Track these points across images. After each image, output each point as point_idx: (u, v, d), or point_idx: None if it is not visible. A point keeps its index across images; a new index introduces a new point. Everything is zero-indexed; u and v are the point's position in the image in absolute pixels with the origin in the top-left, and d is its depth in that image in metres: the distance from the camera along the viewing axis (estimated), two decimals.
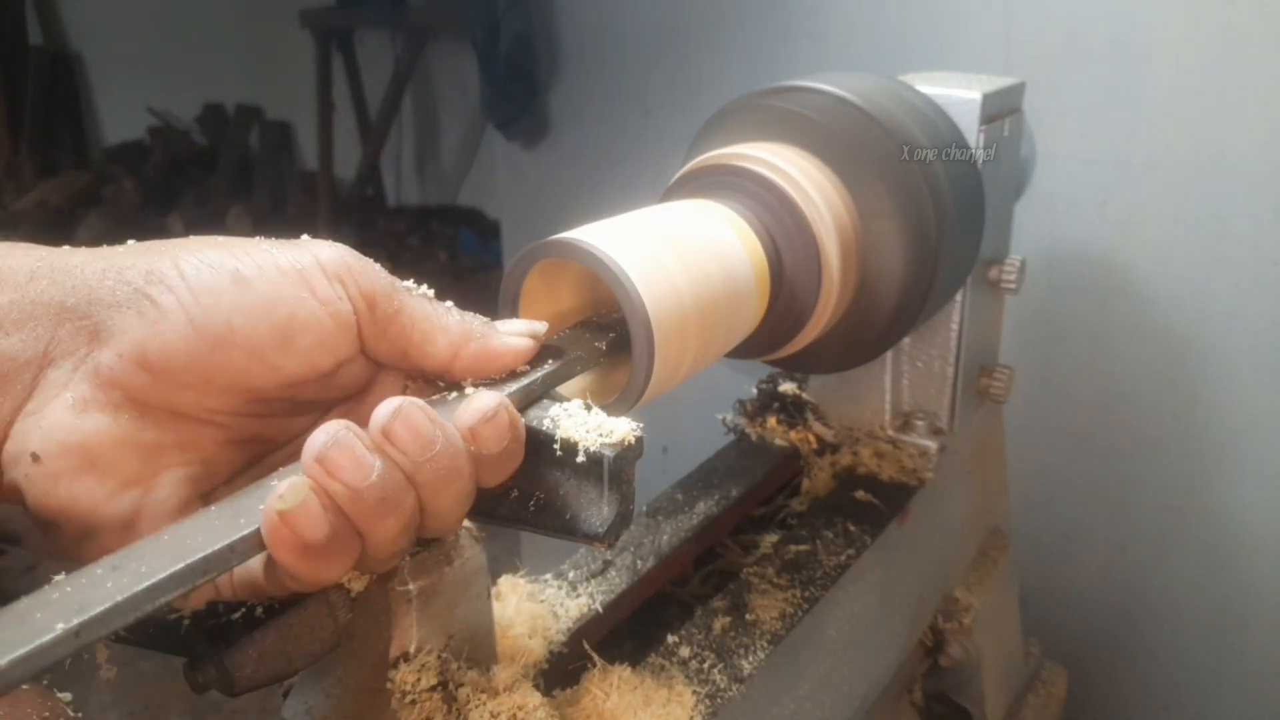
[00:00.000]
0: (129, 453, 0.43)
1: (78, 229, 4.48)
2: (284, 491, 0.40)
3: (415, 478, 0.43)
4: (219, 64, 4.92)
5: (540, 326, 0.52)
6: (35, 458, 0.41)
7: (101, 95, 5.40)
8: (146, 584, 0.36)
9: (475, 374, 0.49)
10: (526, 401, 0.49)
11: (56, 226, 4.50)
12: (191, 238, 0.46)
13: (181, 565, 0.38)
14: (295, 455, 0.47)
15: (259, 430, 0.48)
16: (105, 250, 0.44)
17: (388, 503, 0.42)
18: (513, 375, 0.50)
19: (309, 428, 0.48)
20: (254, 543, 0.41)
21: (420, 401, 0.44)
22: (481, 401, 0.45)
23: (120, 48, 5.14)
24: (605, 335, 0.57)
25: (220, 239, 0.46)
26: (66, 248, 0.45)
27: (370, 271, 0.47)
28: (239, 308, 0.43)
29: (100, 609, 0.35)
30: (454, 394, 0.49)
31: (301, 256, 0.45)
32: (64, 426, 0.42)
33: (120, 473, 0.43)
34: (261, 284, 0.44)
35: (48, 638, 0.33)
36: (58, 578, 0.36)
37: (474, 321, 0.50)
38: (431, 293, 0.50)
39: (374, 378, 0.50)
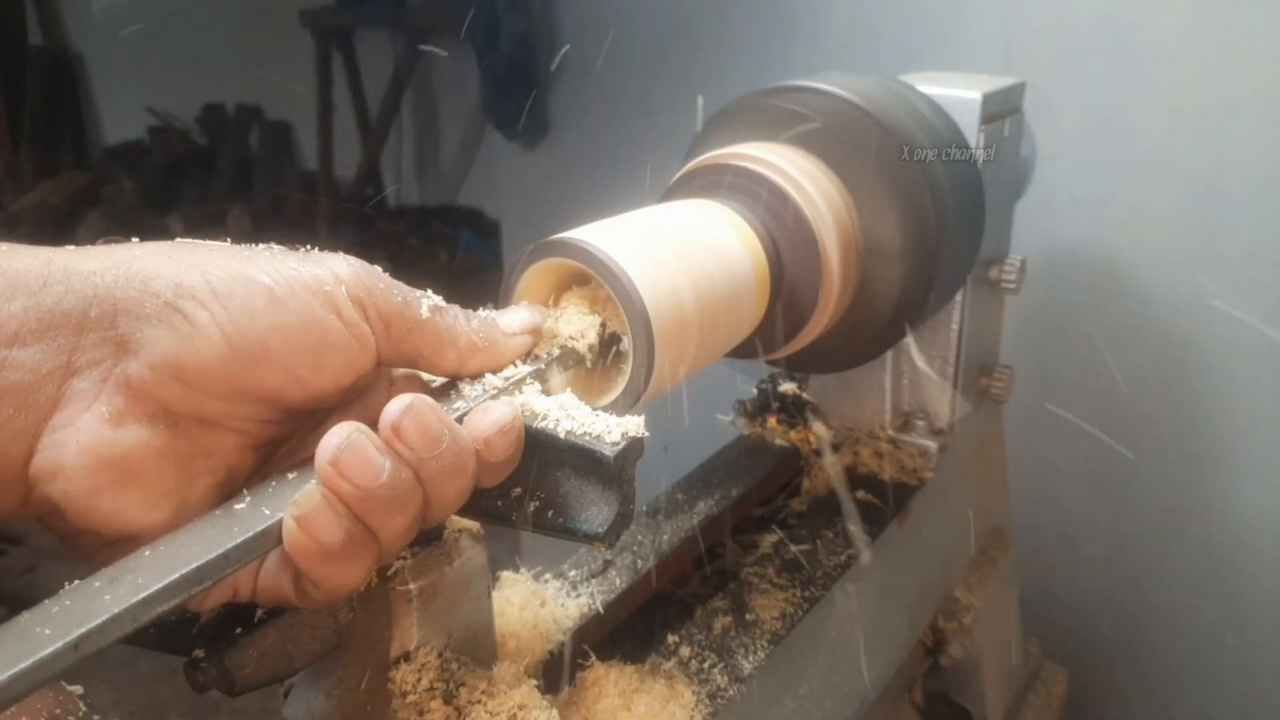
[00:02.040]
0: (166, 463, 0.43)
1: (78, 229, 4.48)
2: (299, 498, 0.41)
3: (422, 474, 0.44)
4: (219, 64, 4.92)
5: (540, 318, 0.55)
6: (72, 474, 0.41)
7: (101, 95, 5.40)
8: (142, 595, 0.37)
9: (478, 376, 0.51)
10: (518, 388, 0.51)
11: (56, 226, 4.50)
12: (210, 244, 0.46)
13: (176, 576, 0.38)
14: (296, 452, 0.49)
15: (278, 435, 0.49)
16: (123, 254, 0.44)
17: (397, 501, 0.43)
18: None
19: (315, 426, 0.50)
20: (249, 550, 0.41)
21: (430, 400, 0.45)
22: (498, 414, 0.47)
23: (120, 48, 5.13)
24: (597, 326, 0.58)
25: (241, 249, 0.46)
26: (72, 248, 0.44)
27: (386, 292, 0.48)
28: (275, 328, 0.44)
29: (97, 621, 0.35)
30: (459, 388, 0.50)
31: (325, 276, 0.46)
32: (103, 440, 0.41)
33: (160, 483, 0.43)
34: (294, 304, 0.44)
35: (47, 652, 0.33)
36: (63, 589, 0.37)
37: (479, 331, 0.51)
38: (440, 300, 0.51)
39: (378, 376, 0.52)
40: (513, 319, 0.54)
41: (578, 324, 0.58)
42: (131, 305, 0.42)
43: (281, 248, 0.47)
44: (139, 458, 0.42)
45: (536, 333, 0.54)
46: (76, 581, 0.37)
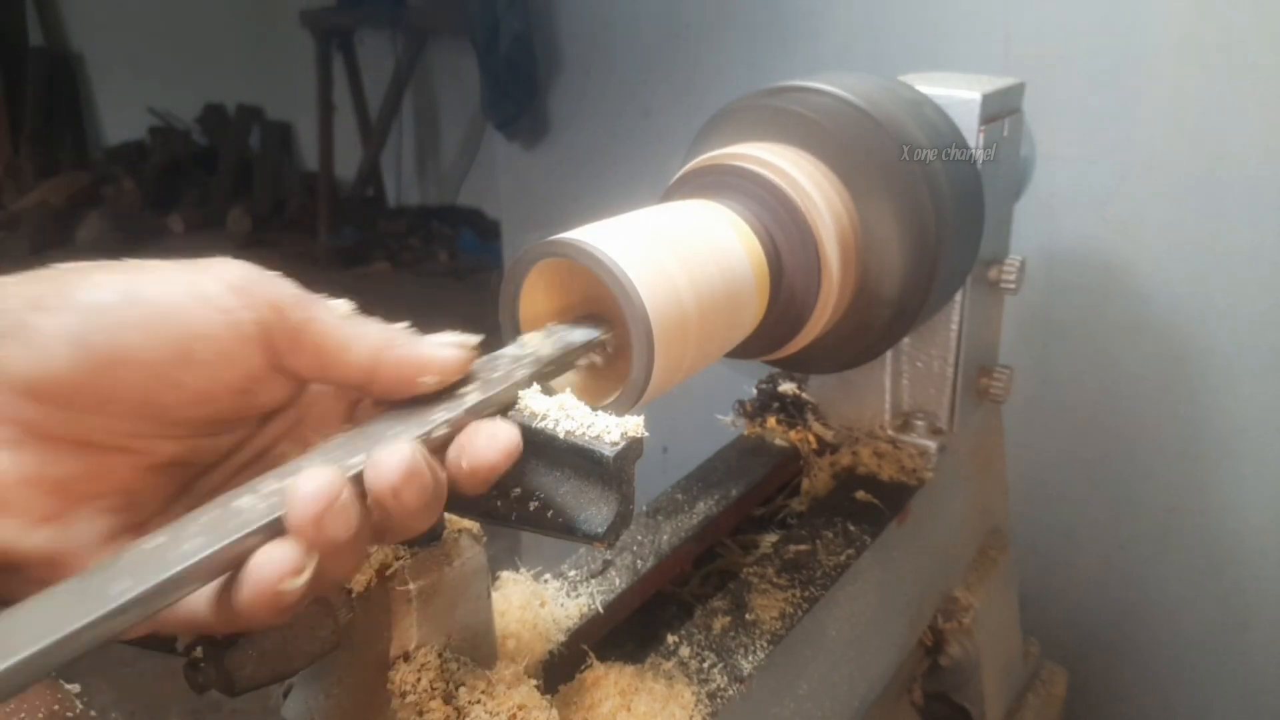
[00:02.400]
0: (36, 490, 0.41)
1: (78, 229, 4.48)
2: (276, 565, 0.38)
3: (397, 518, 0.42)
4: (219, 64, 4.93)
5: (471, 339, 0.49)
6: None
7: (102, 95, 5.41)
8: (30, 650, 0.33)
9: (400, 385, 0.46)
10: (462, 424, 0.46)
11: (57, 226, 4.51)
12: (85, 263, 0.43)
13: (64, 633, 0.34)
14: (227, 479, 0.47)
15: (179, 453, 0.45)
16: None
17: (361, 547, 0.42)
18: (448, 393, 0.47)
19: (236, 447, 0.47)
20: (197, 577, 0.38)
21: (430, 460, 0.42)
22: (506, 439, 0.45)
23: (121, 48, 5.14)
24: (562, 343, 0.56)
25: (115, 263, 0.43)
26: None
27: (275, 282, 0.45)
28: (128, 323, 0.41)
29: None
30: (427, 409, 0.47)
31: (196, 272, 0.43)
32: None
33: (30, 511, 0.40)
34: (152, 297, 0.41)
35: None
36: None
37: (397, 331, 0.47)
38: (351, 306, 0.47)
39: (303, 395, 0.49)
40: (440, 337, 0.48)
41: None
42: None
43: (172, 261, 0.44)
44: (2, 486, 0.40)
45: (467, 350, 0.48)
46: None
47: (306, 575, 0.39)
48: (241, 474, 0.47)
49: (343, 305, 0.47)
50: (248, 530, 0.39)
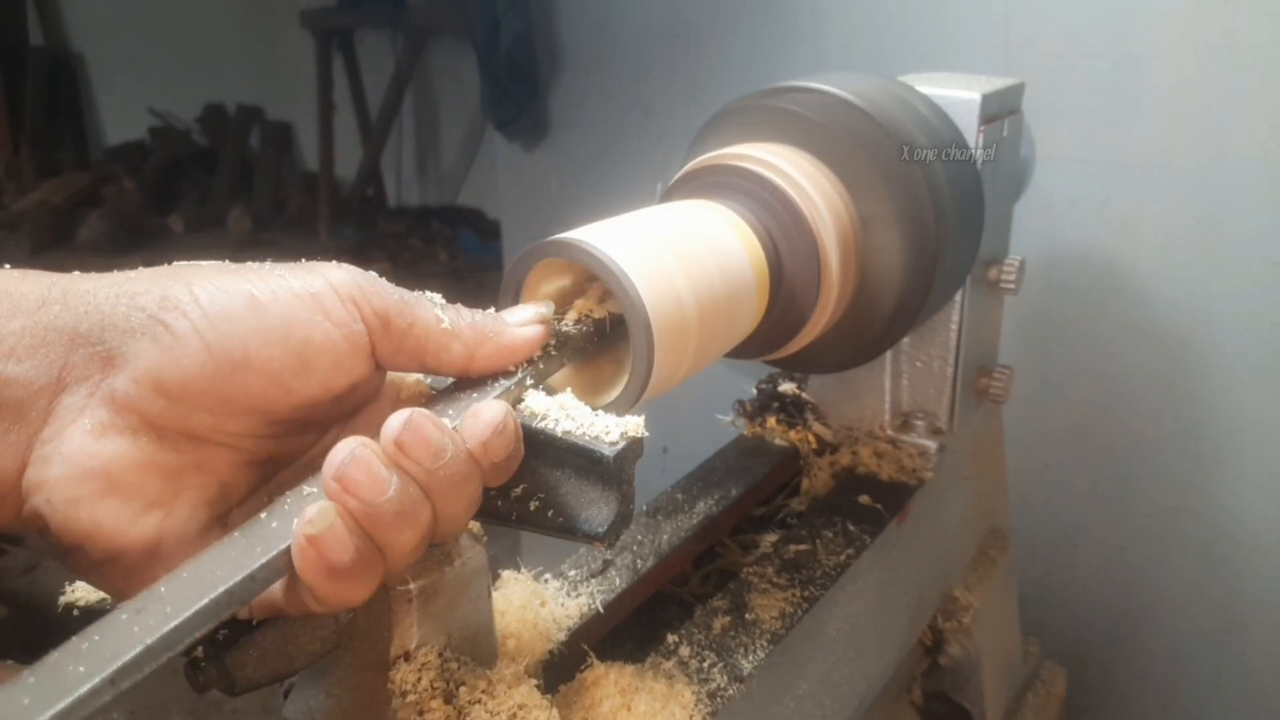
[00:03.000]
0: (150, 475, 0.43)
1: (78, 229, 4.48)
2: (312, 516, 0.41)
3: (429, 487, 0.44)
4: (219, 64, 4.93)
5: (546, 310, 0.53)
6: (55, 484, 0.42)
7: (102, 95, 5.40)
8: (173, 624, 0.36)
9: (492, 369, 0.50)
10: (521, 392, 0.50)
11: (57, 226, 4.50)
12: (205, 263, 0.46)
13: (206, 601, 0.38)
14: (304, 471, 0.48)
15: (273, 451, 0.48)
16: (119, 275, 0.45)
17: (405, 516, 0.43)
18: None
19: (317, 443, 0.49)
20: (275, 569, 0.41)
21: (428, 412, 0.44)
22: (490, 414, 0.46)
23: (121, 48, 5.14)
24: (591, 323, 0.57)
25: (234, 265, 0.46)
26: (79, 273, 0.45)
27: (381, 290, 0.47)
28: (255, 332, 0.43)
29: (132, 654, 0.35)
30: (457, 397, 0.49)
31: (314, 280, 0.45)
32: (85, 451, 0.42)
33: (142, 495, 0.43)
34: (276, 308, 0.44)
35: (85, 689, 0.33)
36: (90, 626, 0.36)
37: (486, 321, 0.50)
38: (440, 299, 0.50)
39: (382, 386, 0.51)
40: (519, 313, 0.52)
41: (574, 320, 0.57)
42: (119, 320, 0.42)
43: (285, 264, 0.47)
44: (119, 469, 0.42)
45: (546, 323, 0.53)
46: (102, 617, 0.37)
47: (330, 519, 0.41)
48: (308, 469, 0.48)
49: (433, 298, 0.50)
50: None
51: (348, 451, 0.42)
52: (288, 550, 0.41)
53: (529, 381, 0.51)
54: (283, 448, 0.48)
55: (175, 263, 0.46)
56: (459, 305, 0.51)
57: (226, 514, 0.47)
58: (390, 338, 0.47)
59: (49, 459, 0.42)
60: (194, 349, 0.42)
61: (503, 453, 0.46)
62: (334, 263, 0.48)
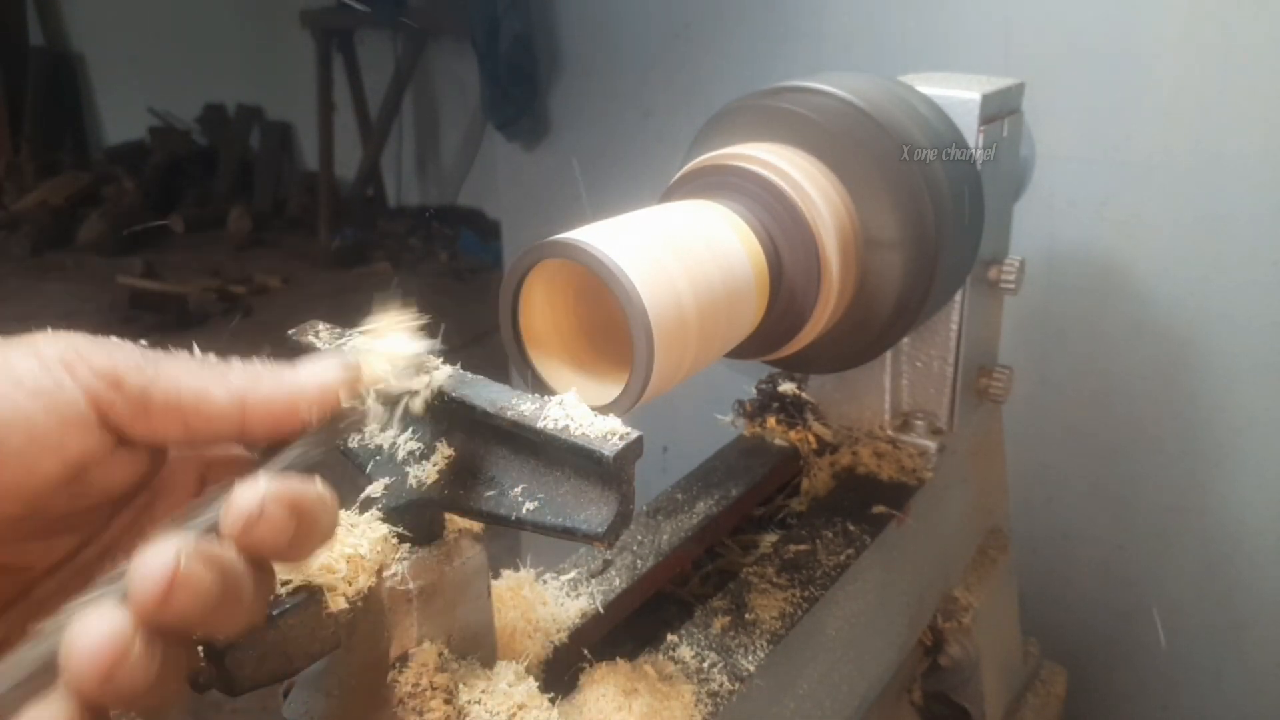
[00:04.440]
0: None
1: (78, 229, 4.48)
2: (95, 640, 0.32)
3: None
4: (219, 64, 4.93)
5: (350, 360, 0.45)
6: None
7: (102, 95, 5.41)
8: None
9: (278, 424, 0.42)
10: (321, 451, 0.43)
11: (57, 227, 4.51)
12: None
13: None
14: (71, 580, 0.41)
15: (6, 560, 0.40)
16: None
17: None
18: (333, 420, 0.44)
19: (85, 548, 0.42)
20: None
21: (182, 546, 0.35)
22: (240, 500, 0.36)
23: (121, 48, 5.15)
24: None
25: None
26: None
27: (108, 349, 0.39)
28: None
29: None
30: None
31: (16, 355, 0.38)
32: None
33: None
34: None
35: None
36: None
37: (262, 368, 0.42)
38: (209, 356, 0.42)
39: (158, 469, 0.43)
40: (313, 361, 0.44)
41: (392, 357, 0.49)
42: None
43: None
44: None
45: (350, 369, 0.44)
46: None
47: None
48: (87, 573, 0.40)
49: (197, 355, 0.42)
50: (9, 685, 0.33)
51: (166, 570, 0.33)
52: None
53: (336, 442, 0.44)
54: (22, 556, 0.40)
55: None
56: (235, 359, 0.43)
57: None
58: (128, 400, 0.39)
59: None
60: None
61: (274, 538, 0.37)
62: (47, 330, 0.40)
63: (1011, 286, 0.94)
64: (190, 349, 0.43)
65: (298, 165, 5.01)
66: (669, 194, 0.74)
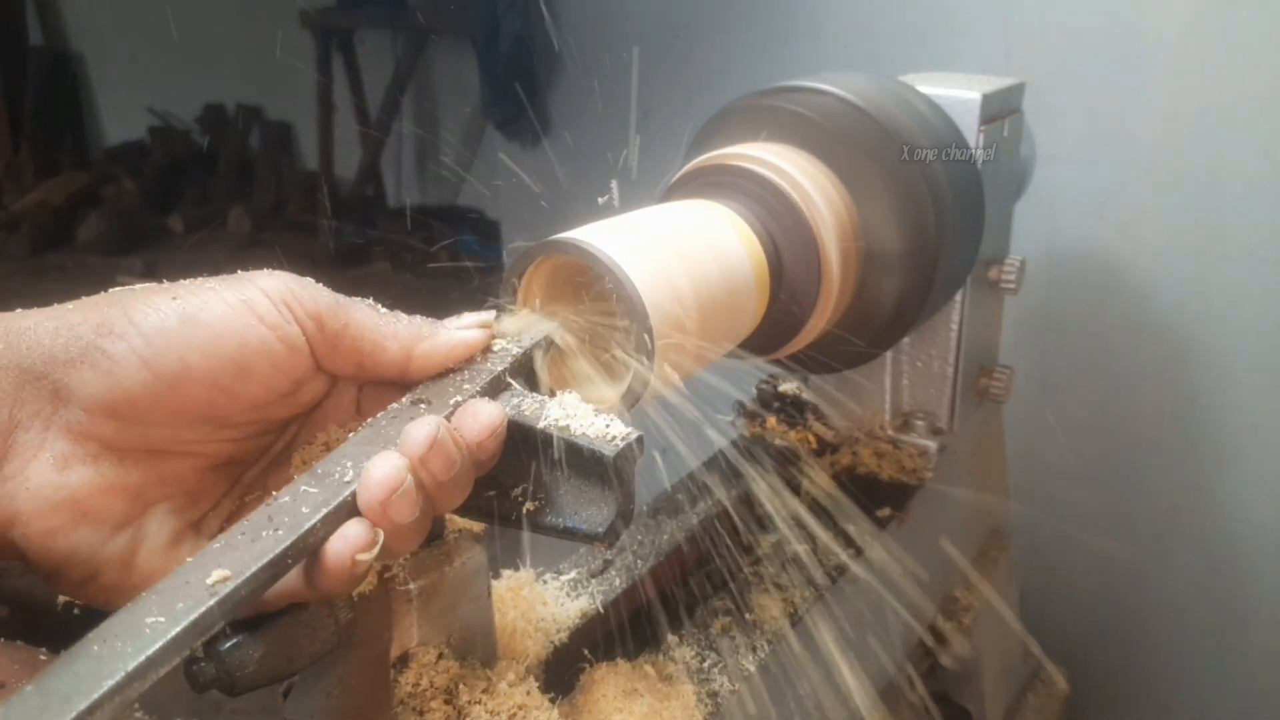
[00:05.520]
0: (116, 498, 0.44)
1: (78, 229, 4.48)
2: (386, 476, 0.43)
3: (435, 491, 0.46)
4: (219, 64, 4.92)
5: (488, 315, 0.54)
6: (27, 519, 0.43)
7: (102, 95, 5.40)
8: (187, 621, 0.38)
9: (431, 371, 0.51)
10: (495, 391, 0.51)
11: (57, 227, 4.50)
12: (139, 286, 0.47)
13: (241, 580, 0.39)
14: (273, 469, 0.51)
15: (234, 453, 0.49)
16: (58, 309, 0.46)
17: (416, 522, 0.45)
18: (471, 366, 0.51)
19: (278, 440, 0.51)
20: (300, 551, 0.42)
21: (449, 427, 0.46)
22: (488, 418, 0.47)
23: (121, 48, 5.14)
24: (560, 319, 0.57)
25: (168, 285, 0.47)
26: (20, 310, 0.46)
27: (313, 292, 0.48)
28: (190, 345, 0.44)
29: (158, 645, 0.37)
30: (439, 391, 0.50)
31: (245, 289, 0.46)
32: (50, 485, 0.43)
33: (112, 518, 0.44)
34: (209, 319, 0.45)
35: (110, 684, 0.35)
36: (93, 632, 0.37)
37: (423, 323, 0.51)
38: (378, 307, 0.51)
39: (333, 386, 0.52)
40: (461, 319, 0.53)
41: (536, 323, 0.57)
42: (59, 352, 0.43)
43: (219, 277, 0.48)
44: (85, 497, 0.44)
45: (486, 327, 0.53)
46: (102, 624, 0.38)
47: (376, 550, 0.43)
48: (274, 467, 0.51)
49: (369, 303, 0.50)
50: (316, 519, 0.42)
51: (390, 479, 0.43)
52: (309, 532, 0.42)
53: (507, 377, 0.51)
54: (242, 450, 0.50)
55: (111, 290, 0.47)
56: (398, 311, 0.52)
57: (200, 520, 0.48)
58: (325, 338, 0.48)
59: (15, 495, 0.43)
60: (134, 369, 0.43)
61: (493, 451, 0.48)
62: (266, 270, 0.49)
63: (1012, 286, 0.94)
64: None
65: (298, 165, 5.00)
66: (669, 194, 0.74)
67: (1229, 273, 1.25)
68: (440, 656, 0.54)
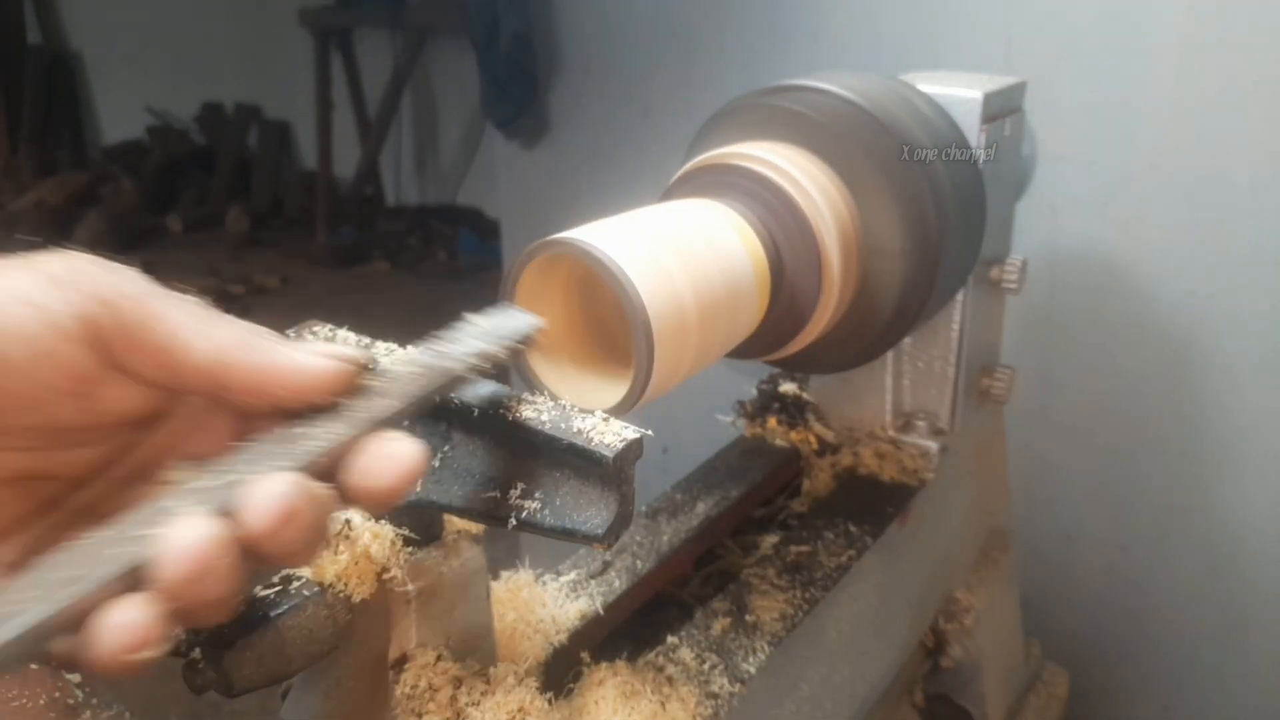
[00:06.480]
0: None
1: (76, 228, 4.47)
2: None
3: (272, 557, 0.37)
4: (218, 64, 4.92)
5: (359, 354, 0.43)
6: None
7: (100, 95, 5.40)
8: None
9: (256, 395, 0.41)
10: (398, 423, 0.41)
11: (55, 226, 4.50)
12: None
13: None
14: (108, 495, 0.43)
15: (27, 466, 0.41)
16: None
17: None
18: (326, 410, 0.41)
19: (107, 460, 0.43)
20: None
21: (314, 490, 0.37)
22: (265, 493, 0.36)
23: (119, 47, 5.14)
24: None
25: None
26: None
27: (114, 277, 0.40)
28: None
29: None
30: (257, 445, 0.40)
31: (18, 272, 0.39)
32: None
33: None
34: None
35: None
36: None
37: (257, 335, 0.41)
38: (217, 311, 0.42)
39: (181, 404, 0.44)
40: (318, 346, 0.42)
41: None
42: None
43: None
44: None
45: (351, 362, 0.42)
46: None
47: (161, 647, 0.34)
48: (125, 490, 0.43)
49: (201, 304, 0.41)
50: (101, 582, 0.34)
51: (196, 553, 0.34)
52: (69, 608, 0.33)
53: (347, 432, 0.40)
54: (42, 462, 0.41)
55: None
56: (259, 326, 0.42)
57: (2, 542, 0.41)
58: (123, 327, 0.39)
59: None
60: None
61: (294, 541, 0.36)
62: (65, 250, 0.41)
63: (1013, 286, 0.94)
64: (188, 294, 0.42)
65: (296, 164, 5.00)
66: (669, 193, 0.74)
67: (1232, 272, 1.25)
68: (439, 658, 0.53)
